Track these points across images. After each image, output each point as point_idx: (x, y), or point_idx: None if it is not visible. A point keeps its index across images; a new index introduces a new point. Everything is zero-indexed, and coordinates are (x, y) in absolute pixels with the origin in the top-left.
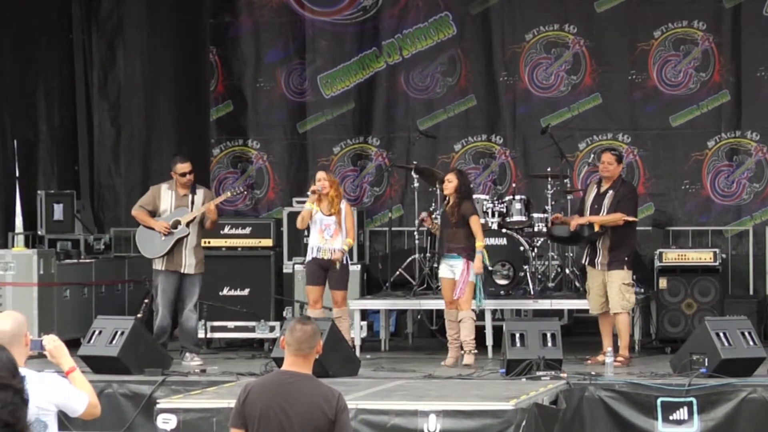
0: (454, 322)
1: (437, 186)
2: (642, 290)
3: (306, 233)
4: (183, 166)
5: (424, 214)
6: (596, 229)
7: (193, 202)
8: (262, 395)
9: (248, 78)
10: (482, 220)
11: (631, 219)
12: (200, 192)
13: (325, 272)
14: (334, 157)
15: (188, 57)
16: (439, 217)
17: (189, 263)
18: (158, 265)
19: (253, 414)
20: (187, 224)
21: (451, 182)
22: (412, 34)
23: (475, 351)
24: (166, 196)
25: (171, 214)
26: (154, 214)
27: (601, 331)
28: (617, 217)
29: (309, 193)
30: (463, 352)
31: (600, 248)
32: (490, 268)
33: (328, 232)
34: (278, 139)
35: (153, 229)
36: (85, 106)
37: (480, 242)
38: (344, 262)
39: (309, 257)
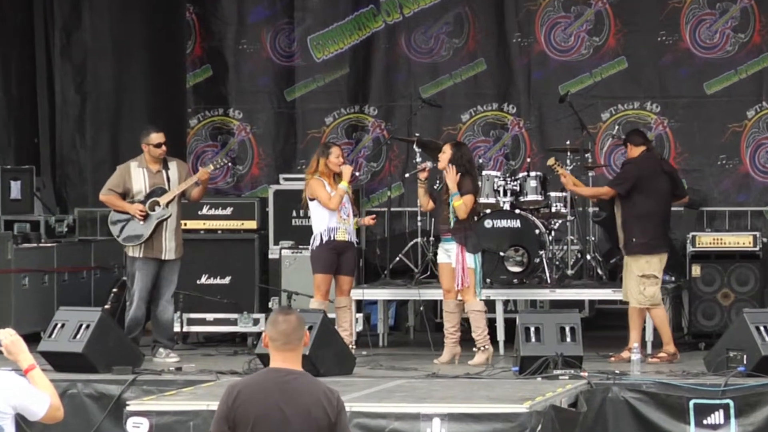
0: (452, 313)
1: None
2: (672, 278)
3: (295, 213)
4: (158, 136)
5: (428, 164)
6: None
7: (168, 179)
8: (256, 397)
9: (229, 39)
10: (492, 200)
11: (584, 193)
12: (173, 165)
13: (339, 258)
14: (326, 129)
15: (162, 16)
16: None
17: (170, 247)
18: (135, 252)
19: (245, 418)
20: (167, 204)
21: (444, 153)
22: None
23: (488, 348)
24: (137, 174)
25: (147, 194)
26: (125, 196)
27: (629, 323)
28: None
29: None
30: (475, 349)
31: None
32: (501, 254)
33: (345, 211)
34: (263, 108)
35: (127, 213)
36: (45, 71)
37: (458, 202)
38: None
39: (322, 241)
